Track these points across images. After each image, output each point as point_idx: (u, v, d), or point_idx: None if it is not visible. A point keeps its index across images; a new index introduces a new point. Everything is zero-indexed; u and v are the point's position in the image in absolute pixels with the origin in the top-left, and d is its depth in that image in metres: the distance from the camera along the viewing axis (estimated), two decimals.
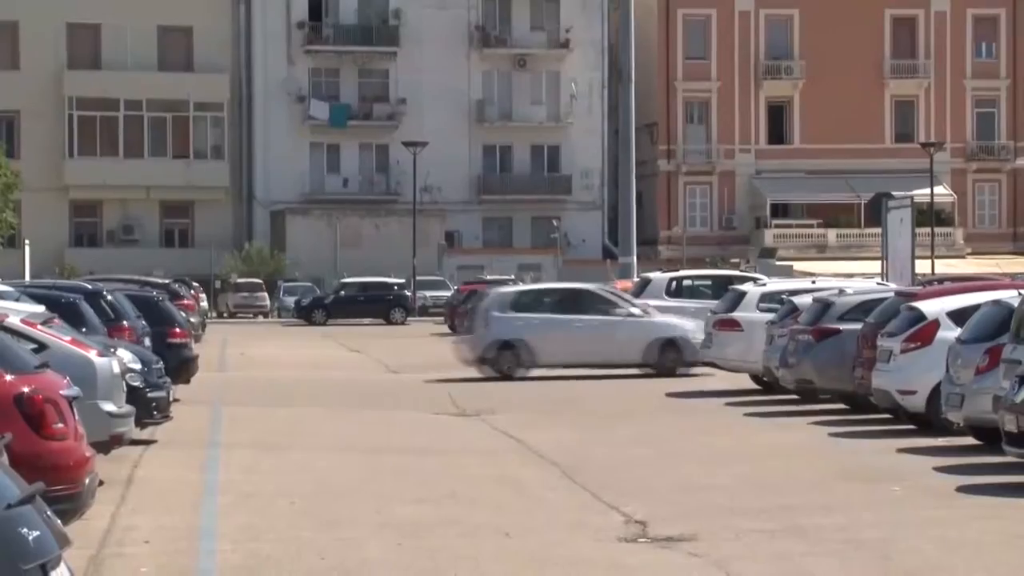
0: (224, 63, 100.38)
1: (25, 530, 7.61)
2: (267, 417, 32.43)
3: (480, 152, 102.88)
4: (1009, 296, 27.81)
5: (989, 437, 24.40)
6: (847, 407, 31.95)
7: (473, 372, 44.99)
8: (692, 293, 48.39)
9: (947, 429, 26.53)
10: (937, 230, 75.73)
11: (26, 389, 15.95)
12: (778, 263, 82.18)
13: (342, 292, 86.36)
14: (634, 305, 45.56)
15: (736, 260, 79.20)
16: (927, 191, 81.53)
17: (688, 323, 44.71)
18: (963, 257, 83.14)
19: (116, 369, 23.59)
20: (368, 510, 19.84)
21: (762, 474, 23.66)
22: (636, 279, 52.94)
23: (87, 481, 16.17)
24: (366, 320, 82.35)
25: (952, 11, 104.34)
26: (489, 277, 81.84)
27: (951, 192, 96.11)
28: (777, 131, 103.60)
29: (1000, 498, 20.86)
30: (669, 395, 37.46)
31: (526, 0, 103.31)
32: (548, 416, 32.15)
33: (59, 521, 8.71)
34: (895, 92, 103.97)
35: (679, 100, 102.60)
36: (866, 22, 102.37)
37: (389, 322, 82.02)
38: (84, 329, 27.09)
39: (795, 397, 34.83)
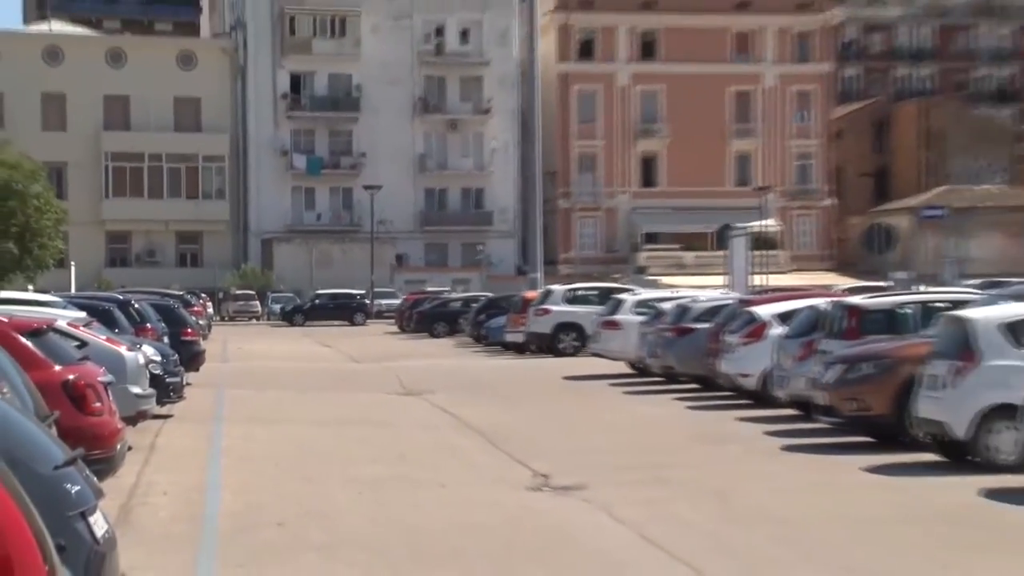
0: (225, 125, 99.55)
1: (68, 485, 7.68)
2: (259, 397, 32.21)
3: (422, 193, 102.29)
4: (821, 303, 28.10)
5: (805, 409, 24.61)
6: (700, 386, 31.93)
7: (419, 360, 44.88)
8: (583, 301, 48.25)
9: (774, 403, 26.67)
10: (767, 252, 75.66)
11: (71, 377, 15.92)
12: (648, 278, 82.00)
13: (316, 301, 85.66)
14: None
15: (617, 276, 78.85)
16: (760, 223, 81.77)
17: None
18: (787, 273, 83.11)
19: (141, 361, 23.47)
20: (336, 469, 19.87)
21: (636, 438, 23.61)
22: (541, 290, 52.79)
23: (119, 447, 16.15)
24: (335, 322, 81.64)
25: (778, 87, 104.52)
26: (429, 289, 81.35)
27: (778, 223, 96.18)
28: (648, 177, 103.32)
29: (814, 455, 21.12)
30: (565, 378, 37.41)
31: (457, 78, 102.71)
32: (474, 395, 32.02)
33: (96, 478, 8.73)
34: (736, 149, 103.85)
35: (573, 154, 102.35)
36: (714, 96, 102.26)
37: (352, 323, 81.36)
38: (116, 330, 26.86)
39: (661, 379, 34.64)
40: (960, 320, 20.63)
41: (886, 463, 19.57)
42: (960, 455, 19.22)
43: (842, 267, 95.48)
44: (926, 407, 19.90)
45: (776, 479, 18.67)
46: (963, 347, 19.78)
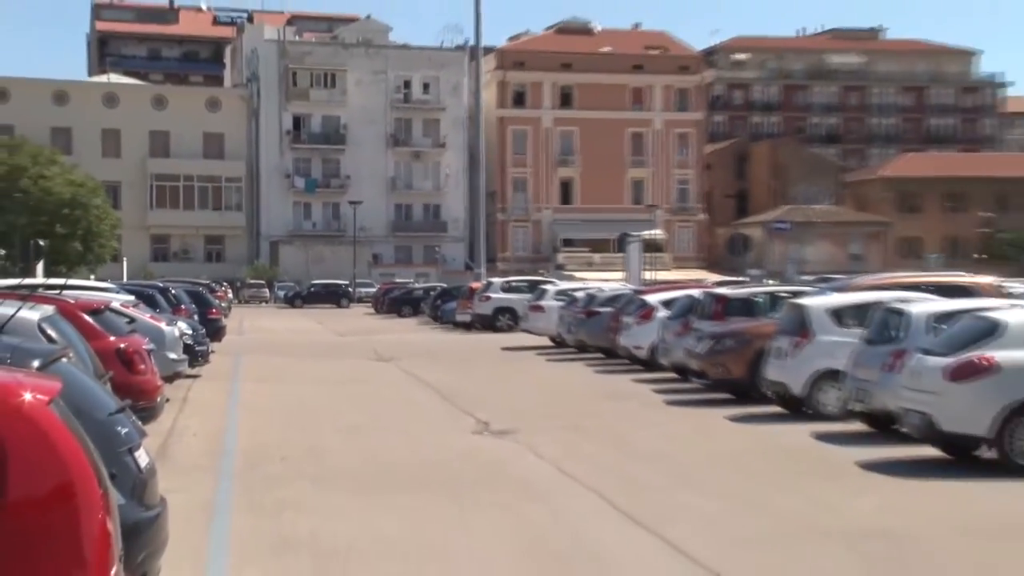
0: (242, 154, 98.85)
1: (119, 428, 7.61)
2: (267, 362, 32.03)
3: (393, 207, 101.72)
4: (695, 293, 28.21)
5: (683, 373, 24.70)
6: (603, 356, 31.95)
7: (389, 335, 44.83)
8: (516, 290, 48.22)
9: (660, 368, 26.74)
10: (655, 254, 75.76)
11: (122, 345, 15.82)
12: (565, 273, 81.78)
13: (311, 289, 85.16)
14: None
15: (541, 271, 78.85)
16: (649, 232, 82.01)
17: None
18: (670, 270, 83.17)
19: (176, 333, 23.34)
20: (326, 417, 19.83)
21: (555, 395, 23.63)
22: (484, 282, 52.75)
23: (159, 399, 16.11)
24: (326, 305, 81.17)
25: (664, 130, 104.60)
26: (398, 280, 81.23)
27: (663, 233, 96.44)
28: (565, 197, 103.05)
29: (690, 407, 21.17)
30: (503, 349, 37.37)
31: (420, 120, 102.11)
32: (431, 362, 31.95)
33: (140, 423, 8.64)
34: (631, 176, 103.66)
35: (509, 178, 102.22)
36: (616, 135, 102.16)
37: (339, 306, 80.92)
38: (157, 310, 26.64)
39: (574, 350, 34.66)
40: (798, 306, 20.84)
41: (743, 413, 19.71)
42: (797, 408, 19.41)
43: (711, 266, 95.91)
44: (773, 371, 20.10)
45: (662, 426, 18.74)
46: (800, 326, 19.99)
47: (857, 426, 17.50)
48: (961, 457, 14.68)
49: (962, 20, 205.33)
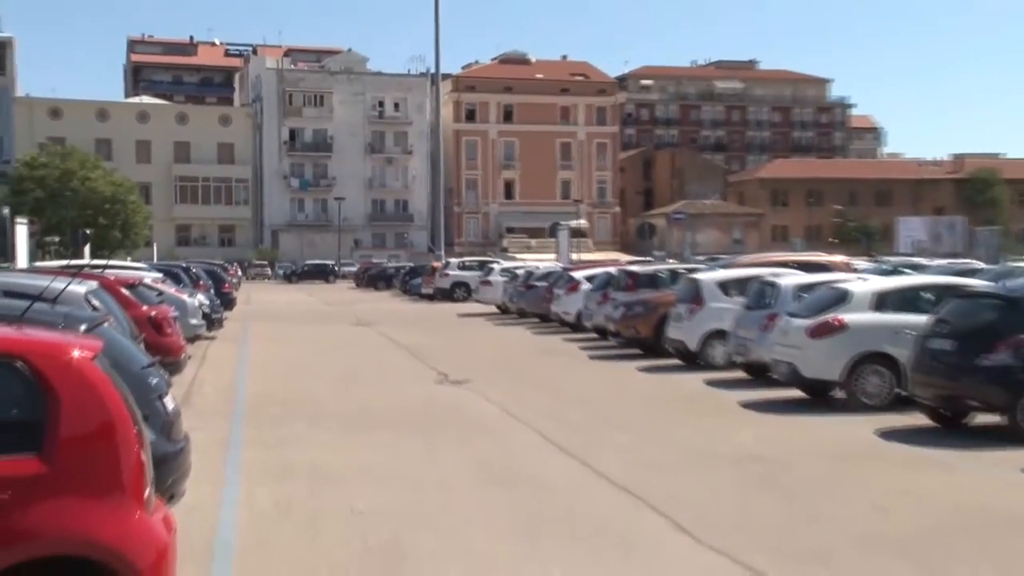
0: (248, 160, 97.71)
1: (151, 379, 7.55)
2: (270, 326, 31.69)
3: (371, 203, 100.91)
4: (612, 270, 28.25)
5: (603, 334, 24.76)
6: (539, 320, 31.94)
7: (367, 305, 44.68)
8: (470, 268, 48.09)
9: (585, 330, 26.80)
10: (580, 239, 76.16)
11: (152, 313, 15.62)
12: (508, 255, 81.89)
13: (304, 268, 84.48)
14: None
15: (490, 253, 78.79)
16: (575, 222, 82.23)
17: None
18: (592, 252, 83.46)
19: (196, 304, 23.19)
20: (317, 371, 19.59)
21: (501, 352, 23.49)
22: (443, 262, 52.60)
23: (183, 357, 15.95)
24: (316, 281, 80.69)
25: (587, 141, 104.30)
26: (374, 261, 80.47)
27: (586, 222, 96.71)
28: (508, 193, 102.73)
29: (608, 361, 21.23)
30: (459, 315, 37.25)
31: (392, 132, 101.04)
32: (401, 326, 31.74)
33: (168, 375, 8.53)
34: (561, 177, 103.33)
35: (463, 179, 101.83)
36: (548, 145, 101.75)
37: (327, 282, 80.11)
38: (181, 284, 26.47)
39: (516, 316, 34.46)
40: (693, 280, 20.96)
41: (650, 365, 19.79)
42: (692, 360, 19.53)
43: (624, 248, 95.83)
44: (673, 332, 20.20)
45: (587, 376, 18.79)
46: (695, 296, 20.10)
47: (739, 374, 17.64)
48: (818, 397, 14.86)
49: (819, 55, 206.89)
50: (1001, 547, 7.68)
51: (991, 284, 17.15)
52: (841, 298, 15.03)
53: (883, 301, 14.82)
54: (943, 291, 14.46)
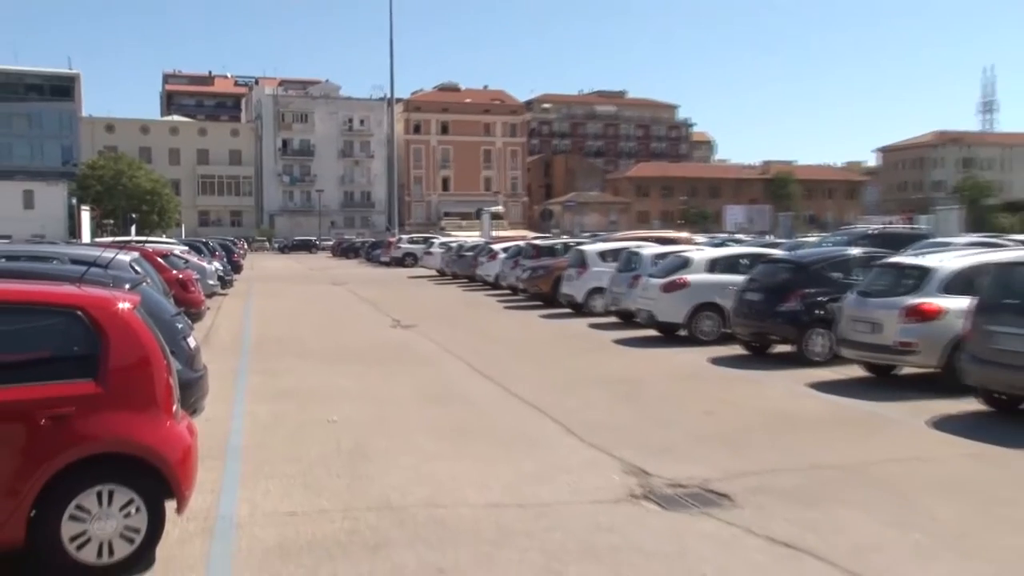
0: (252, 162, 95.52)
1: (178, 324, 7.37)
2: (268, 286, 31.00)
3: (343, 194, 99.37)
4: (521, 243, 27.57)
5: (515, 290, 24.57)
6: (468, 281, 30.12)
7: (340, 270, 44.02)
8: (416, 242, 47.48)
9: (502, 288, 26.26)
10: (498, 220, 75.75)
11: (180, 276, 15.30)
12: (445, 233, 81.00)
13: (294, 242, 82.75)
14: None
15: (431, 231, 78.19)
16: (495, 207, 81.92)
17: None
18: (507, 231, 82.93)
19: (214, 269, 22.72)
20: (304, 318, 19.22)
21: (439, 304, 22.60)
22: (396, 238, 51.92)
23: (204, 308, 15.66)
24: (303, 253, 79.26)
25: (504, 149, 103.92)
26: (346, 237, 78.78)
27: (503, 208, 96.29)
28: (445, 187, 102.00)
29: (519, 311, 21.15)
30: (408, 278, 36.37)
31: (358, 143, 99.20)
32: (366, 285, 31.30)
33: (191, 321, 8.37)
34: (484, 175, 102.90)
35: (412, 176, 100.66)
36: (474, 152, 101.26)
37: (311, 253, 78.42)
38: (202, 254, 25.92)
39: (451, 278, 32.67)
40: (580, 250, 20.96)
41: (549, 314, 19.80)
42: (579, 310, 19.54)
43: (531, 228, 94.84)
44: (566, 288, 20.24)
45: (503, 322, 18.67)
46: (581, 262, 20.17)
47: (613, 320, 17.78)
48: (669, 336, 15.11)
49: (670, 84, 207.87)
50: (789, 438, 7.99)
51: (787, 253, 17.66)
52: (685, 263, 15.28)
53: (714, 265, 15.11)
54: (755, 259, 14.78)
